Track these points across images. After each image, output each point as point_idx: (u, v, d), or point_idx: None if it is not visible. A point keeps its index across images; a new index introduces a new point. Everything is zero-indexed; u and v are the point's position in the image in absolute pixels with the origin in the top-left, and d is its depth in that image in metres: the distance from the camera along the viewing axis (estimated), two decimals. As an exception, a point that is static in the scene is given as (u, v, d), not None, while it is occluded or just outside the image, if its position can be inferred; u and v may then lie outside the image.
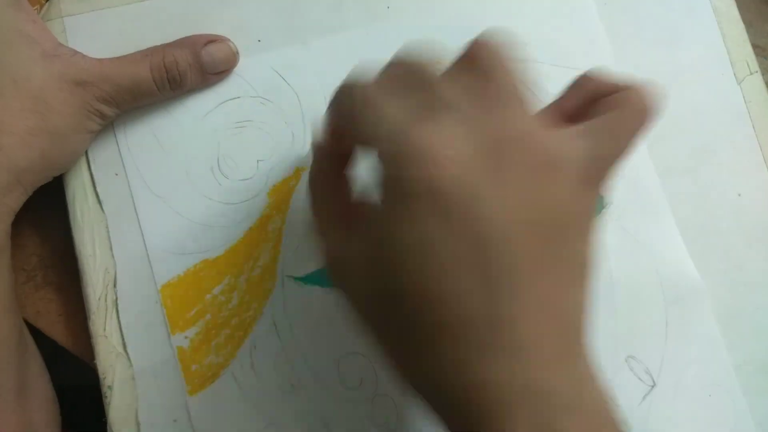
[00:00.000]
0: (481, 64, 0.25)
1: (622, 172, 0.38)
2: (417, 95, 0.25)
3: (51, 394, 0.36)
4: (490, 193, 0.23)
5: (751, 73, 0.41)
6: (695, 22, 0.41)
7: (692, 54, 0.41)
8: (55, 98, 0.32)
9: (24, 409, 0.33)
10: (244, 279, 0.36)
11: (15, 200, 0.33)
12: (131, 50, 0.35)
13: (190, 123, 0.36)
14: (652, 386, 0.37)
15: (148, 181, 0.36)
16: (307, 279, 0.36)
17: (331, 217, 0.29)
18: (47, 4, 0.36)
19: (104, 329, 0.35)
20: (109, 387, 0.34)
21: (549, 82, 0.38)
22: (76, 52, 0.34)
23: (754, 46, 0.41)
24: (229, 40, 0.36)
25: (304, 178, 0.37)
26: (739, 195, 0.40)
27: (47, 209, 0.37)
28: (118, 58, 0.34)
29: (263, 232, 0.36)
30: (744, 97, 0.41)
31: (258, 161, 0.37)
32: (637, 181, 0.39)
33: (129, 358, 0.35)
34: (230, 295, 0.35)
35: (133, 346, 0.35)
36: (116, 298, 0.35)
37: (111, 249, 0.35)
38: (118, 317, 0.35)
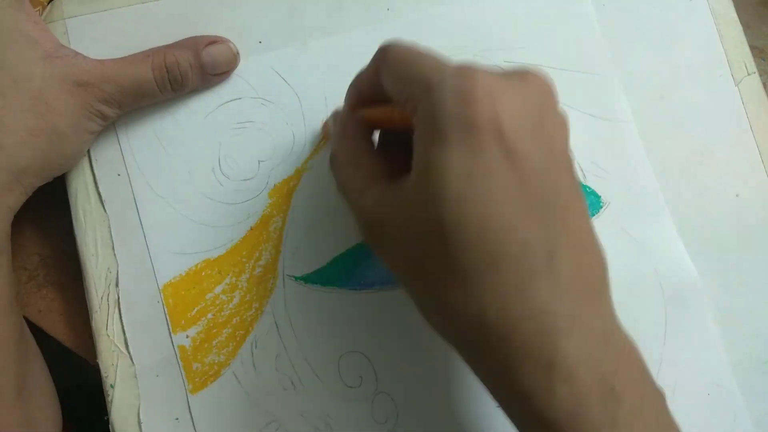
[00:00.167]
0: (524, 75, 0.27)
1: (619, 173, 0.39)
2: (464, 61, 0.27)
3: (52, 392, 0.36)
4: (537, 138, 0.25)
5: (749, 74, 0.41)
6: (693, 23, 0.41)
7: (690, 55, 0.41)
8: (55, 99, 0.32)
9: (25, 408, 0.33)
10: (246, 278, 0.36)
11: (15, 200, 0.33)
12: (133, 51, 0.35)
13: (191, 124, 0.37)
14: (651, 385, 0.37)
15: (150, 181, 0.36)
16: (307, 278, 0.36)
17: (366, 177, 0.30)
18: (49, 5, 0.37)
19: (106, 328, 0.35)
20: (111, 385, 0.35)
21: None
22: (77, 54, 0.34)
23: (752, 48, 0.41)
24: (229, 41, 0.36)
25: (305, 178, 0.37)
26: (737, 195, 0.40)
27: (49, 209, 0.37)
28: (120, 59, 0.34)
29: (264, 232, 0.36)
30: (741, 98, 0.41)
31: (259, 161, 0.37)
32: (636, 182, 0.39)
33: (131, 357, 0.35)
34: (231, 294, 0.36)
35: (135, 345, 0.35)
36: (118, 298, 0.35)
37: (113, 248, 0.36)
38: (120, 316, 0.35)
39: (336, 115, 0.33)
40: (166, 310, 0.35)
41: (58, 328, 0.37)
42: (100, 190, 0.36)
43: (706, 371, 0.38)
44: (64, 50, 0.34)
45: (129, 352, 0.35)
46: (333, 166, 0.32)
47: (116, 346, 0.35)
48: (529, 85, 0.26)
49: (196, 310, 0.35)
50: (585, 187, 0.38)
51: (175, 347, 0.35)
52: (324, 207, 0.37)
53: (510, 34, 0.39)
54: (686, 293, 0.38)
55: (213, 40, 0.36)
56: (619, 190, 0.39)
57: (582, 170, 0.38)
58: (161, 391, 0.35)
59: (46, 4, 0.37)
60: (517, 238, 0.24)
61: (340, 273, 0.36)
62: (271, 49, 0.37)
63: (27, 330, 0.35)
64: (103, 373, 0.35)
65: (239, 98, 0.37)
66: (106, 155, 0.36)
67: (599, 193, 0.38)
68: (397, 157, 0.30)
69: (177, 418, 0.35)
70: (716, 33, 0.41)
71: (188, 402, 0.35)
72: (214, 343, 0.35)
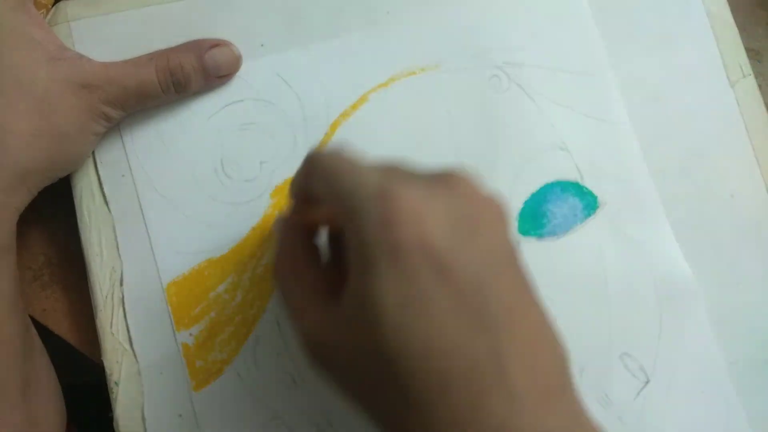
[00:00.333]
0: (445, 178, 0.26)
1: (616, 173, 0.39)
2: (390, 168, 0.26)
3: (57, 390, 0.36)
4: (469, 248, 0.24)
5: (744, 76, 0.41)
6: (689, 25, 0.41)
7: (686, 57, 0.41)
8: (60, 101, 0.32)
9: (29, 406, 0.33)
10: (248, 277, 0.36)
11: (20, 201, 0.33)
12: (137, 54, 0.35)
13: (195, 125, 0.37)
14: (647, 382, 0.37)
15: (154, 182, 0.36)
16: (308, 278, 0.36)
17: (305, 294, 0.28)
18: (54, 8, 0.37)
19: (111, 326, 0.35)
20: (116, 383, 0.35)
21: (544, 86, 0.39)
22: (81, 56, 0.34)
23: (748, 50, 0.41)
24: (232, 44, 0.37)
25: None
26: (732, 196, 0.40)
27: (54, 209, 0.37)
28: (124, 62, 0.35)
29: (266, 232, 0.37)
30: (737, 99, 0.41)
31: (261, 162, 0.37)
32: (631, 182, 0.39)
33: (135, 355, 0.35)
34: (234, 293, 0.36)
35: (139, 342, 0.35)
36: (123, 296, 0.36)
37: (117, 248, 0.36)
38: (124, 315, 0.35)
39: (278, 220, 0.31)
40: (169, 308, 0.36)
41: (63, 327, 0.37)
42: (105, 190, 0.36)
43: (700, 370, 0.38)
44: (68, 52, 0.34)
45: (133, 350, 0.35)
46: (273, 277, 0.30)
47: (120, 343, 0.35)
48: (454, 189, 0.25)
49: (199, 308, 0.36)
50: (582, 187, 0.39)
51: (179, 345, 0.35)
52: (324, 207, 0.37)
53: (508, 36, 0.39)
54: (681, 293, 0.38)
55: (216, 44, 0.36)
56: (615, 190, 0.39)
57: (579, 171, 0.39)
58: (165, 388, 0.35)
59: (50, 6, 0.37)
60: (463, 358, 0.23)
61: (340, 272, 0.36)
62: (273, 52, 0.38)
63: (32, 328, 0.35)
64: (108, 371, 0.35)
65: (242, 100, 0.37)
66: (110, 157, 0.36)
67: (595, 194, 0.39)
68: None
69: (180, 415, 0.35)
70: (712, 35, 0.41)
71: (191, 399, 0.35)
72: (216, 341, 0.35)
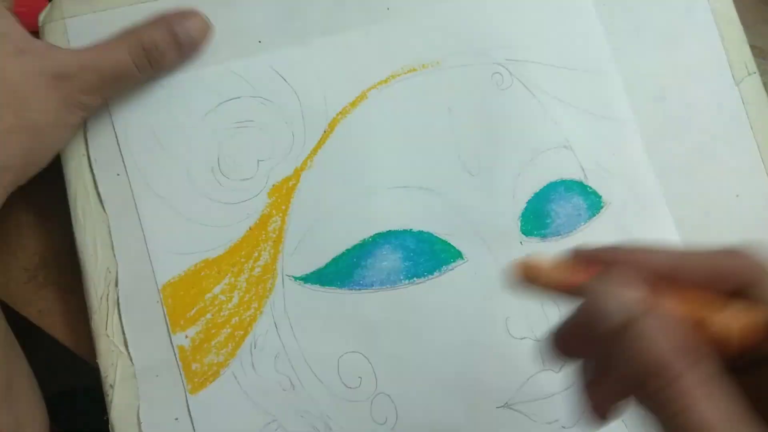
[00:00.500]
0: None
1: (620, 172, 0.39)
2: None
3: (38, 396, 0.35)
4: None
5: (750, 74, 0.41)
6: (694, 23, 0.41)
7: (691, 55, 0.41)
8: (32, 94, 0.31)
9: (10, 408, 0.33)
10: (245, 278, 0.36)
11: None
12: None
13: (190, 123, 0.36)
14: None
15: (149, 181, 0.36)
16: (307, 278, 0.36)
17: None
18: (49, 5, 0.36)
19: (106, 328, 0.35)
20: (111, 386, 0.35)
21: (547, 83, 0.39)
22: (51, 45, 0.33)
23: (753, 48, 0.41)
24: (200, 12, 0.36)
25: (304, 178, 0.37)
26: (737, 196, 0.40)
27: (49, 209, 0.37)
28: (95, 47, 0.33)
29: (263, 232, 0.36)
30: (742, 98, 0.41)
31: (258, 161, 0.37)
32: (636, 181, 0.39)
33: (130, 357, 0.35)
34: (230, 294, 0.36)
35: (134, 345, 0.35)
36: (118, 298, 0.35)
37: (112, 249, 0.36)
38: (119, 316, 0.35)
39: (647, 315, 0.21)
40: (165, 310, 0.35)
41: (57, 329, 0.37)
42: (100, 190, 0.36)
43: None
44: (37, 43, 0.33)
45: (128, 352, 0.35)
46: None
47: (116, 346, 0.35)
48: None
49: (195, 310, 0.35)
50: (586, 186, 0.38)
51: (174, 347, 0.35)
52: (323, 207, 0.37)
53: (511, 33, 0.39)
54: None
55: (183, 14, 0.35)
56: (619, 189, 0.39)
57: (583, 170, 0.38)
58: (161, 391, 0.35)
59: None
60: None
61: (339, 273, 0.36)
62: (271, 49, 0.37)
63: (11, 333, 0.34)
64: (103, 373, 0.35)
65: (238, 97, 0.37)
66: (105, 155, 0.36)
67: (600, 193, 0.38)
68: None
69: (177, 418, 0.35)
70: (717, 33, 0.41)
71: (187, 402, 0.35)
72: (213, 343, 0.35)
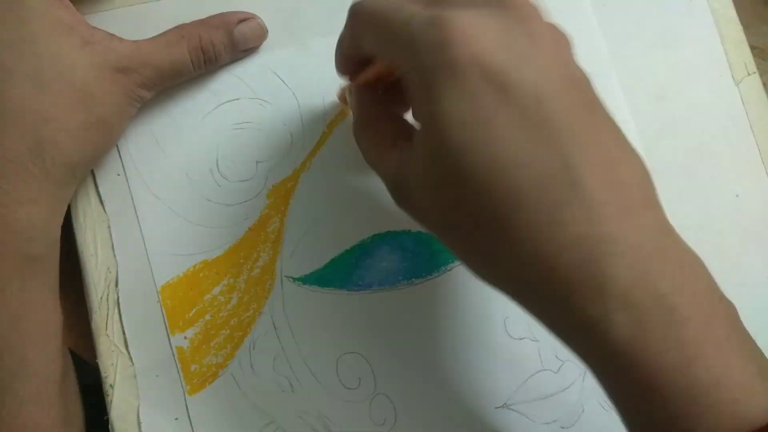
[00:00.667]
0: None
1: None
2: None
3: (78, 389, 0.36)
4: (527, 65, 0.24)
5: (749, 74, 0.41)
6: (693, 23, 0.41)
7: (690, 55, 0.41)
8: (99, 89, 0.32)
9: (64, 400, 0.33)
10: (243, 279, 0.36)
11: (68, 193, 0.33)
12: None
13: (189, 124, 0.37)
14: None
15: (147, 182, 0.36)
16: (305, 279, 0.36)
17: (382, 142, 0.30)
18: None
19: (106, 328, 0.35)
20: (111, 386, 0.35)
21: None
22: (112, 36, 0.33)
23: (752, 48, 0.41)
24: (258, 17, 0.36)
25: (303, 179, 0.37)
26: (737, 196, 0.40)
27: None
28: (154, 41, 0.34)
29: (262, 233, 0.36)
30: (742, 98, 0.41)
31: (257, 162, 0.37)
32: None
33: (130, 357, 0.35)
34: (229, 295, 0.36)
35: (134, 345, 0.35)
36: (118, 298, 0.35)
37: (113, 249, 0.36)
38: (119, 316, 0.35)
39: (341, 94, 0.33)
40: (164, 311, 0.35)
41: (58, 328, 0.37)
42: (100, 190, 0.36)
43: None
44: (99, 34, 0.33)
45: (128, 353, 0.35)
46: (355, 138, 0.32)
47: (116, 346, 0.35)
48: (511, 10, 0.25)
49: (194, 311, 0.35)
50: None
51: (173, 348, 0.35)
52: (322, 208, 0.37)
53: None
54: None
55: (243, 17, 0.36)
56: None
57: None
58: (161, 392, 0.35)
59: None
60: (532, 173, 0.23)
61: (338, 274, 0.36)
62: (270, 50, 0.37)
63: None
64: (103, 373, 0.35)
65: (237, 99, 0.37)
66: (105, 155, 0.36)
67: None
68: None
69: (177, 418, 0.35)
70: (716, 33, 0.41)
71: (186, 403, 0.35)
72: (211, 344, 0.35)
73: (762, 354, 0.25)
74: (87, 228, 0.36)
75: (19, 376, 0.31)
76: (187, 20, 0.36)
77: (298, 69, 0.37)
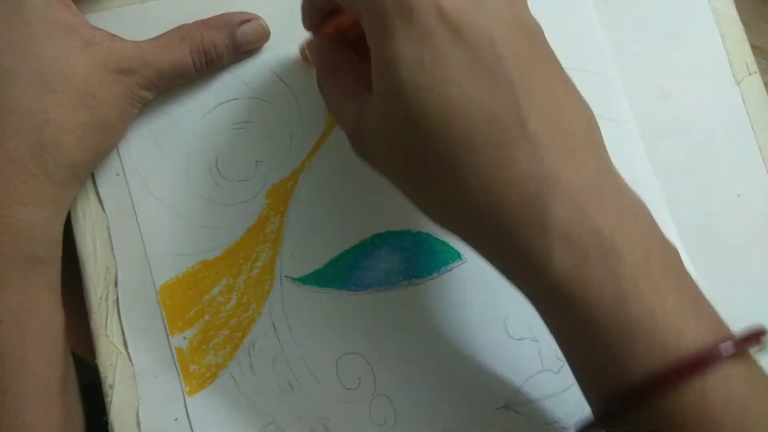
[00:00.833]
0: None
1: (620, 172, 0.39)
2: None
3: (78, 390, 0.36)
4: (481, 10, 0.25)
5: (750, 74, 0.41)
6: (694, 22, 0.41)
7: (691, 54, 0.40)
8: (101, 90, 0.32)
9: (65, 401, 0.33)
10: (243, 280, 0.36)
11: (70, 194, 0.33)
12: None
13: (188, 124, 0.36)
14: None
15: (147, 182, 0.36)
16: (305, 280, 0.36)
17: (344, 94, 0.30)
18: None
19: (105, 328, 0.35)
20: (110, 386, 0.35)
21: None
22: (113, 37, 0.33)
23: (753, 47, 0.41)
24: (260, 18, 0.36)
25: (303, 179, 0.37)
26: (738, 195, 0.40)
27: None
28: (156, 42, 0.34)
29: (261, 233, 0.36)
30: (743, 97, 0.40)
31: (256, 162, 0.37)
32: (635, 182, 0.38)
33: (130, 358, 0.35)
34: (229, 296, 0.36)
35: (133, 345, 0.35)
36: (117, 298, 0.35)
37: (112, 249, 0.36)
38: (119, 317, 0.35)
39: (305, 43, 0.34)
40: (163, 311, 0.35)
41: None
42: (99, 190, 0.36)
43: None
44: (100, 34, 0.33)
45: (128, 353, 0.35)
46: (318, 86, 0.32)
47: (115, 346, 0.35)
48: None
49: (193, 311, 0.35)
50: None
51: (172, 349, 0.35)
52: (321, 208, 0.37)
53: None
54: (686, 294, 0.38)
55: (245, 18, 0.36)
56: (619, 190, 0.38)
57: (582, 170, 0.38)
58: (160, 392, 0.35)
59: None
60: (482, 114, 0.24)
61: (337, 274, 0.36)
62: (270, 50, 0.37)
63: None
64: (102, 374, 0.35)
65: (236, 99, 0.37)
66: (104, 155, 0.36)
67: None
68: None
69: (176, 419, 0.35)
70: (717, 32, 0.41)
71: (186, 404, 0.35)
72: (211, 345, 0.35)
73: (701, 294, 0.26)
74: (86, 228, 0.36)
75: (20, 375, 0.31)
76: (188, 19, 0.36)
77: (297, 69, 0.37)
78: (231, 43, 0.35)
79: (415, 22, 0.24)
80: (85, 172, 0.34)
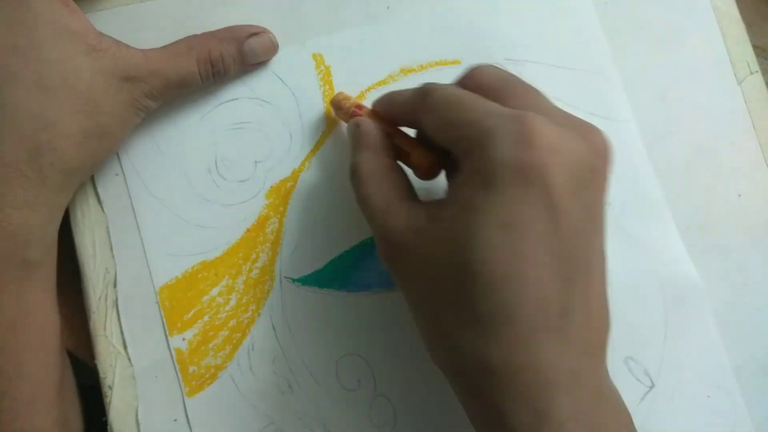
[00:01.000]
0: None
1: (620, 173, 0.39)
2: (514, 95, 0.28)
3: (77, 393, 0.36)
4: (580, 198, 0.25)
5: (752, 73, 0.41)
6: (695, 22, 0.41)
7: (692, 54, 0.40)
8: (104, 97, 0.32)
9: (62, 405, 0.33)
10: (242, 280, 0.36)
11: (66, 198, 0.33)
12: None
13: (188, 124, 0.36)
14: (651, 387, 0.37)
15: (146, 182, 0.36)
16: (305, 280, 0.36)
17: (392, 194, 0.30)
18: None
19: (104, 329, 0.35)
20: (110, 387, 0.35)
21: (546, 83, 0.38)
22: (119, 44, 0.33)
23: (754, 47, 0.41)
24: (269, 32, 0.36)
25: (302, 179, 0.37)
26: (740, 195, 0.40)
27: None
28: (163, 51, 0.34)
29: (261, 234, 0.36)
30: (744, 97, 0.40)
31: (256, 162, 0.37)
32: (636, 181, 0.39)
33: (129, 358, 0.35)
34: (228, 296, 0.36)
35: (133, 346, 0.35)
36: (116, 299, 0.35)
37: (111, 249, 0.35)
38: (118, 317, 0.35)
39: (358, 123, 0.33)
40: (162, 312, 0.35)
41: (56, 329, 0.37)
42: (98, 190, 0.36)
43: (706, 373, 0.38)
44: (106, 41, 0.33)
45: (127, 353, 0.35)
46: (354, 177, 0.32)
47: (114, 347, 0.35)
48: (587, 141, 0.26)
49: (192, 312, 0.35)
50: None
51: (172, 350, 0.35)
52: (321, 208, 0.37)
53: (510, 32, 0.39)
54: (687, 294, 0.38)
55: (254, 32, 0.36)
56: (619, 190, 0.38)
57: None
58: (160, 393, 0.35)
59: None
60: (536, 293, 0.25)
61: (337, 275, 0.36)
62: (270, 49, 0.37)
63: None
64: (102, 374, 0.35)
65: (236, 99, 0.37)
66: (103, 155, 0.36)
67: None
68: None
69: (176, 420, 0.35)
70: (719, 31, 0.41)
71: (185, 405, 0.35)
72: (210, 345, 0.35)
73: None
74: (85, 228, 0.36)
75: (17, 379, 0.31)
76: (187, 19, 0.36)
77: (297, 69, 0.37)
78: (238, 56, 0.35)
79: (520, 184, 0.24)
80: (83, 178, 0.34)
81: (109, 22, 0.36)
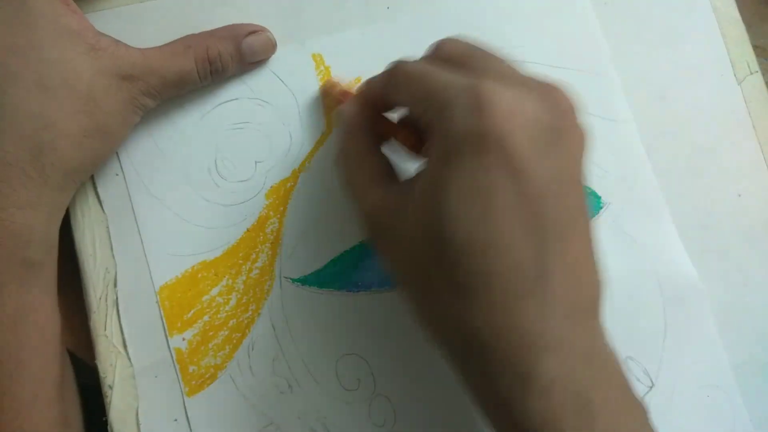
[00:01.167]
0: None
1: (620, 173, 0.39)
2: (483, 69, 0.28)
3: (77, 391, 0.36)
4: (545, 159, 0.25)
5: (751, 73, 0.41)
6: (695, 22, 0.41)
7: (692, 54, 0.40)
8: (103, 96, 0.32)
9: (62, 402, 0.33)
10: (242, 280, 0.36)
11: (66, 197, 0.33)
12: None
13: (187, 125, 0.36)
14: (651, 387, 0.37)
15: (146, 182, 0.36)
16: (304, 280, 0.36)
17: (370, 176, 0.31)
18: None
19: (104, 329, 0.35)
20: (110, 386, 0.35)
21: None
22: (117, 42, 0.33)
23: (754, 47, 0.41)
24: (267, 30, 0.36)
25: (302, 179, 0.37)
26: (739, 195, 0.40)
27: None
28: (161, 50, 0.34)
29: (261, 234, 0.36)
30: (744, 97, 0.40)
31: (256, 162, 0.37)
32: (636, 182, 0.39)
33: (129, 358, 0.35)
34: (228, 296, 0.36)
35: (133, 345, 0.35)
36: (116, 298, 0.35)
37: (111, 249, 0.35)
38: (118, 317, 0.35)
39: (343, 110, 0.34)
40: (162, 312, 0.35)
41: (56, 328, 0.37)
42: (98, 190, 0.36)
43: (705, 373, 0.38)
44: (105, 40, 0.33)
45: (127, 353, 0.35)
46: (338, 161, 0.33)
47: (114, 346, 0.35)
48: (548, 102, 0.26)
49: (192, 312, 0.35)
50: (585, 187, 0.38)
51: (171, 350, 0.35)
52: (321, 208, 0.37)
53: (509, 33, 0.39)
54: (686, 294, 0.38)
55: (252, 30, 0.36)
56: (619, 190, 0.38)
57: (582, 170, 0.38)
58: (160, 393, 0.35)
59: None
60: (509, 259, 0.25)
61: (337, 275, 0.36)
62: (270, 49, 0.37)
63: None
64: (102, 374, 0.35)
65: (236, 99, 0.37)
66: (103, 155, 0.36)
67: (599, 194, 0.38)
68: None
69: (176, 419, 0.35)
70: (718, 32, 0.41)
71: (185, 404, 0.35)
72: (210, 345, 0.35)
73: None
74: (85, 228, 0.36)
75: (17, 379, 0.31)
76: (187, 19, 0.36)
77: (297, 69, 0.37)
78: (236, 54, 0.35)
79: (482, 153, 0.25)
80: (83, 177, 0.34)
81: (109, 22, 0.36)
